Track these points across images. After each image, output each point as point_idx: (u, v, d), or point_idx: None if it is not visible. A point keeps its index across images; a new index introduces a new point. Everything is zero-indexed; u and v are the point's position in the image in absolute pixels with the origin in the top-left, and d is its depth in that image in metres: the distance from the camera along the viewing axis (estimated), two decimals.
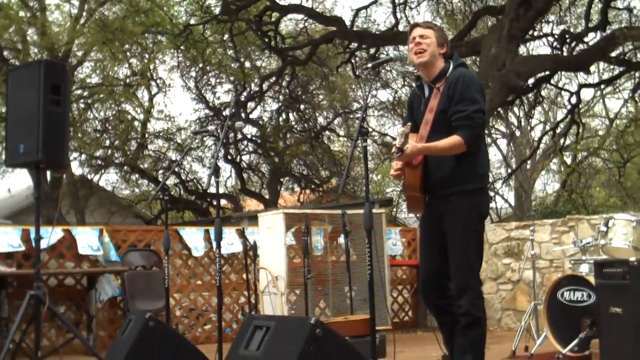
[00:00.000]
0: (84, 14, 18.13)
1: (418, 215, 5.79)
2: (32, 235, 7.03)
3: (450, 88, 4.71)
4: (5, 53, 17.52)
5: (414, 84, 5.16)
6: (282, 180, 24.02)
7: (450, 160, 4.71)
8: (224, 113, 21.33)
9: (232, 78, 21.51)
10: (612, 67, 16.66)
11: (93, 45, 17.84)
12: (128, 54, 19.33)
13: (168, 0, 18.79)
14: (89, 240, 8.78)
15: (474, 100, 4.66)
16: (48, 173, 17.17)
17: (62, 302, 8.61)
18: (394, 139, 4.71)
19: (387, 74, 20.54)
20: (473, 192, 4.73)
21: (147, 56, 20.01)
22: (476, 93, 4.69)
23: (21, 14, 17.62)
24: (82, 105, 19.81)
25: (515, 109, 22.16)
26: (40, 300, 5.91)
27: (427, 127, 4.77)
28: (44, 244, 7.24)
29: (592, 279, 6.29)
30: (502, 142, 27.45)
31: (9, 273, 7.96)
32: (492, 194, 22.65)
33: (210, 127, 18.19)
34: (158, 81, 21.18)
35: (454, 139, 4.62)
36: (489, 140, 24.40)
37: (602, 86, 19.74)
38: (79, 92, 19.05)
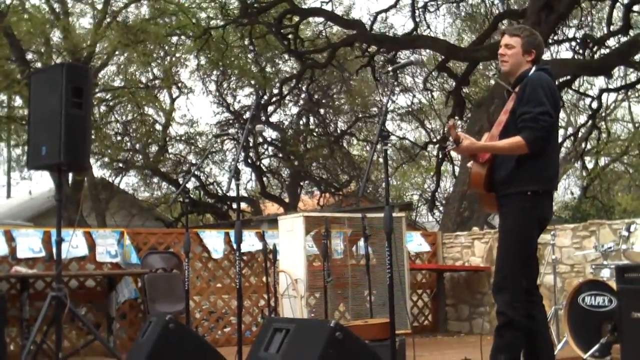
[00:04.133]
0: (107, 17, 18.23)
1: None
2: (54, 238, 7.05)
3: (521, 91, 4.74)
4: (29, 56, 17.62)
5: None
6: (301, 183, 24.03)
7: (511, 161, 4.70)
8: (244, 116, 21.37)
9: (252, 82, 21.55)
10: (631, 71, 16.54)
11: (115, 48, 17.92)
12: (152, 56, 19.42)
13: (192, 2, 18.85)
14: (107, 246, 8.80)
15: (540, 102, 4.63)
16: (70, 175, 17.27)
17: (82, 304, 8.63)
18: (448, 132, 4.68)
19: (406, 78, 20.54)
20: (528, 195, 4.67)
21: (168, 59, 20.10)
22: (543, 95, 4.66)
23: (44, 9, 17.75)
24: (103, 108, 19.91)
25: None
26: (62, 301, 5.94)
27: (499, 127, 4.82)
28: (64, 248, 7.24)
29: (613, 284, 6.25)
30: None
31: (31, 274, 7.99)
32: None
33: (231, 130, 18.20)
34: (179, 84, 21.30)
35: (515, 139, 4.62)
36: None
37: (625, 90, 19.63)
38: (101, 94, 19.15)
